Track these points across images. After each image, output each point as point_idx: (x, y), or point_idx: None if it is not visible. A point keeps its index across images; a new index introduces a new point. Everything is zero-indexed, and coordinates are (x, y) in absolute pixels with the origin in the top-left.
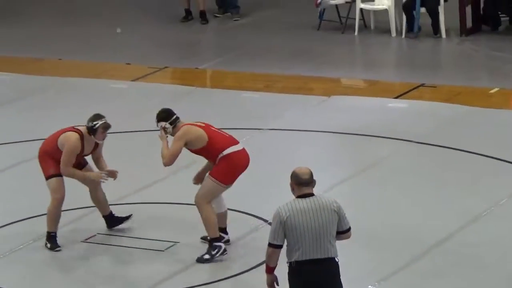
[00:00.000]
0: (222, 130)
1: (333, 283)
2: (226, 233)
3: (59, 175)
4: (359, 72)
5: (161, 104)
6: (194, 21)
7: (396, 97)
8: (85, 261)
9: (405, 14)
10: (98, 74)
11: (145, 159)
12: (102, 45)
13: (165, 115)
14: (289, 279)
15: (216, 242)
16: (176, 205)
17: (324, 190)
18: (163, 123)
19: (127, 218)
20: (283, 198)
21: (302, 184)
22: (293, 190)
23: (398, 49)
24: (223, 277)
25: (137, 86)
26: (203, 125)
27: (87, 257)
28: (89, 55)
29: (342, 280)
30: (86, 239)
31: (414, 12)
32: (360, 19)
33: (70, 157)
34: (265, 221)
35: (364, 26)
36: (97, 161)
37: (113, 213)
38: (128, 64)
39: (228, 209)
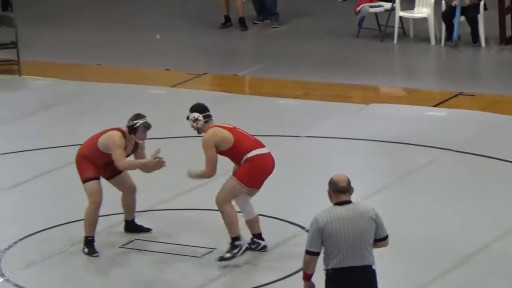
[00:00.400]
0: (256, 137)
1: None
2: (262, 239)
3: (97, 178)
4: (398, 80)
5: None
6: (233, 28)
7: (435, 106)
8: (122, 267)
9: (444, 23)
10: (137, 80)
11: (184, 165)
12: (142, 51)
13: (200, 108)
14: (326, 287)
15: (237, 241)
16: (214, 211)
17: (361, 198)
18: (196, 114)
19: (147, 230)
20: (320, 205)
21: (339, 191)
22: (330, 197)
23: (437, 57)
24: (261, 284)
25: (175, 92)
26: (231, 126)
27: (124, 262)
28: (128, 61)
29: None
30: (124, 245)
31: (454, 21)
32: (399, 27)
33: (121, 151)
34: (302, 228)
35: (403, 34)
36: None
37: (135, 220)
38: (167, 70)
39: (265, 216)
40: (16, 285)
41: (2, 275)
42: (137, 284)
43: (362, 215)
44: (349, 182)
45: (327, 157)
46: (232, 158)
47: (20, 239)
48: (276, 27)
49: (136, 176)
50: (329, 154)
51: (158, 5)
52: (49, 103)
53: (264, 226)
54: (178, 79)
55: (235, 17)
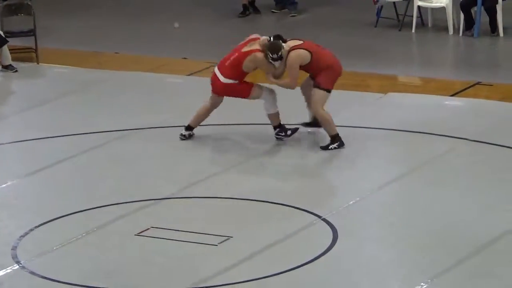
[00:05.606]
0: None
1: None
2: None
3: None
4: (416, 69)
5: None
6: (252, 17)
7: (452, 95)
8: (138, 255)
9: (463, 12)
10: (155, 68)
11: (201, 153)
12: (159, 39)
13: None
14: None
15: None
16: (231, 199)
17: (378, 186)
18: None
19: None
20: (338, 193)
21: None
22: None
23: (455, 47)
24: (275, 272)
25: (193, 80)
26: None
27: (140, 250)
28: (146, 49)
29: (394, 278)
30: (140, 233)
31: (473, 11)
32: (417, 17)
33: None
34: (319, 216)
35: (422, 23)
36: None
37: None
38: (185, 58)
39: (282, 204)
40: (31, 272)
41: (18, 262)
42: (153, 272)
43: None
44: None
45: (345, 146)
46: None
47: (36, 227)
48: (294, 15)
49: (153, 163)
50: (347, 143)
51: None
52: (66, 91)
53: (281, 215)
54: (195, 68)
55: (257, 5)
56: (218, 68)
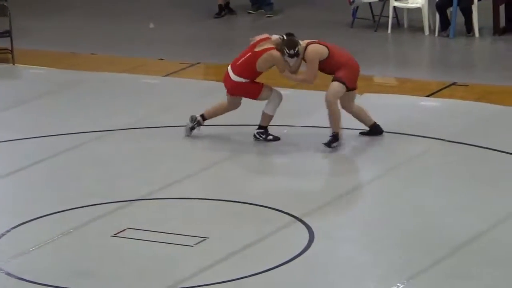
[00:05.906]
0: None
1: None
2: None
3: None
4: (392, 70)
5: (193, 99)
6: (228, 18)
7: (428, 96)
8: (114, 256)
9: (439, 13)
10: (131, 69)
11: (176, 154)
12: (135, 40)
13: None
14: None
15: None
16: (206, 200)
17: (354, 187)
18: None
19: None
20: (314, 195)
21: None
22: None
23: (431, 47)
24: (252, 273)
25: (169, 81)
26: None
27: (116, 251)
28: (122, 50)
29: (370, 279)
30: (116, 234)
31: (448, 12)
32: (393, 17)
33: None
34: (295, 217)
35: (398, 24)
36: None
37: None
38: (161, 59)
39: (258, 205)
40: (7, 273)
41: None
42: (129, 273)
43: None
44: None
45: (320, 147)
46: None
47: (13, 228)
48: (270, 16)
49: (129, 164)
50: (322, 144)
51: None
52: (43, 92)
53: (257, 216)
54: (171, 69)
55: (233, 6)
56: (231, 66)
